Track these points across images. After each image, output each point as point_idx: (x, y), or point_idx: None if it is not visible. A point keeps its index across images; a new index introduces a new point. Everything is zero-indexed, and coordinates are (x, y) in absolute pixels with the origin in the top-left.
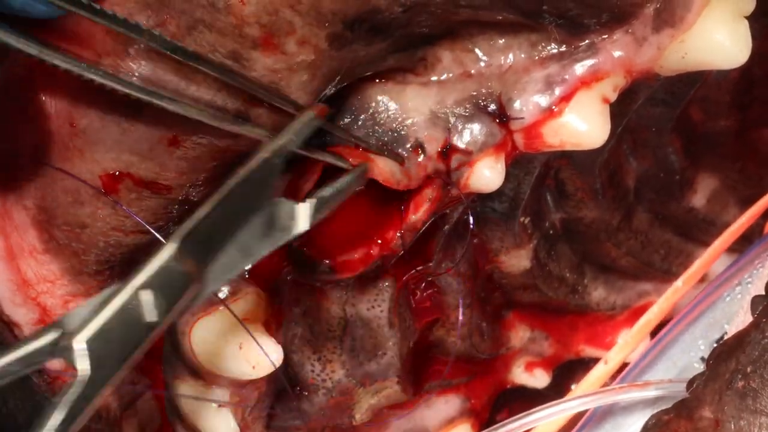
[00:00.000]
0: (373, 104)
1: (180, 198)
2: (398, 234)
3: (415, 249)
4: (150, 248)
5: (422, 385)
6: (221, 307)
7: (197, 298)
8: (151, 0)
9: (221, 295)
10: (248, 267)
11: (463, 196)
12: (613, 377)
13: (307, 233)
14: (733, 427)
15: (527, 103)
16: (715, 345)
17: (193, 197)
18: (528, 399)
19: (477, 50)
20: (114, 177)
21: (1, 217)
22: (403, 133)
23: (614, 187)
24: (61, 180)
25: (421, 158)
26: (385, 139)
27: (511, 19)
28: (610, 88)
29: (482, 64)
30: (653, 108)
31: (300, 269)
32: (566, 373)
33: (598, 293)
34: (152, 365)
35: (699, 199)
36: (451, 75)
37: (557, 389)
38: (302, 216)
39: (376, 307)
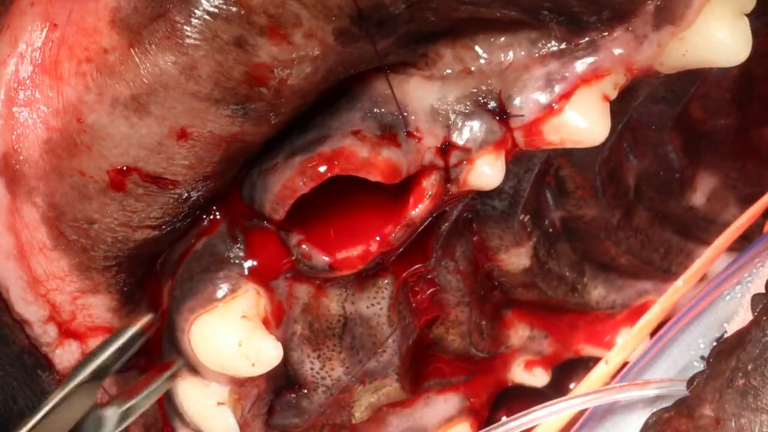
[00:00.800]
0: (374, 90)
1: (184, 194)
2: (397, 228)
3: (415, 247)
4: (156, 245)
5: (421, 383)
6: (220, 305)
7: None
8: None
9: (220, 293)
10: None
11: (462, 194)
12: (613, 376)
13: (306, 231)
14: (733, 425)
15: (527, 101)
16: (715, 343)
17: (197, 192)
18: (527, 398)
19: (477, 47)
20: (122, 172)
21: (12, 214)
22: (403, 115)
23: (614, 185)
24: (70, 176)
25: (418, 141)
26: (385, 121)
27: (511, 16)
28: (610, 86)
29: (482, 61)
30: (653, 106)
31: (299, 266)
32: (566, 372)
33: (597, 292)
34: (152, 363)
35: (699, 197)
36: (451, 72)
37: (556, 388)
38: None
39: (375, 304)
